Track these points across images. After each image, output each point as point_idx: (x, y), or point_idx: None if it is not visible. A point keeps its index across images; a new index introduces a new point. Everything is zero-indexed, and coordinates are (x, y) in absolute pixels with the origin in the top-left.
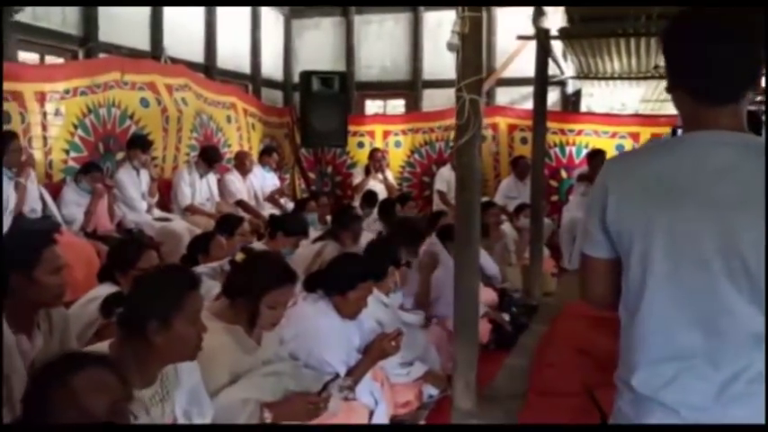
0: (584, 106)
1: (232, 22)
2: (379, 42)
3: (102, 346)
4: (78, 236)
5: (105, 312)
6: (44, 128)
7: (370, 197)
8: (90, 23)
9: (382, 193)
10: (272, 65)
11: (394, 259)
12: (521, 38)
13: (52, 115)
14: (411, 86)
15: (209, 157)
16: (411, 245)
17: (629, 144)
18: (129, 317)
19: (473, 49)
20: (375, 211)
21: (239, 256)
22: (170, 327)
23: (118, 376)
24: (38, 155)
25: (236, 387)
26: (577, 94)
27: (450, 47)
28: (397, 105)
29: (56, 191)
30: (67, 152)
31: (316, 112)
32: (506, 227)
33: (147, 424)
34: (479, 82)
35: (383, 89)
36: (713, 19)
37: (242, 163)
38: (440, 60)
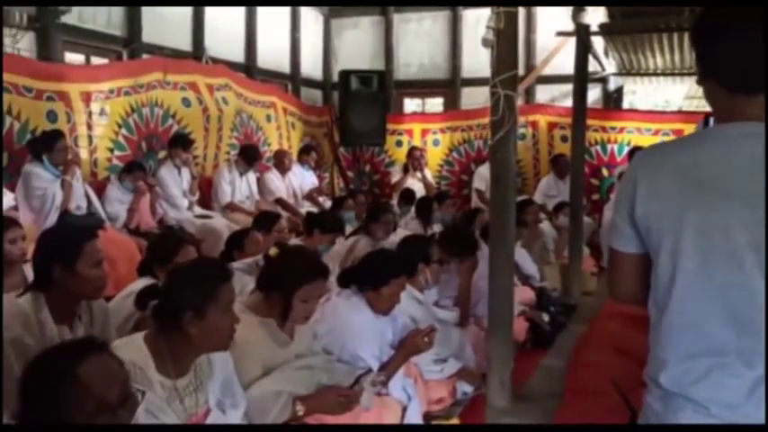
0: (626, 103)
1: (272, 22)
2: (418, 41)
3: (137, 337)
4: (121, 232)
5: (140, 305)
6: (89, 127)
7: (407, 195)
8: (134, 25)
9: (421, 192)
10: (311, 64)
11: (424, 256)
12: (560, 34)
13: (97, 115)
14: (450, 84)
15: (248, 156)
16: (459, 254)
17: None
18: (165, 308)
19: (508, 45)
20: (413, 209)
21: (272, 251)
22: (204, 317)
23: (115, 357)
24: (83, 153)
25: (269, 379)
26: (619, 90)
27: (485, 42)
28: (435, 104)
29: (100, 189)
30: (112, 151)
31: (354, 110)
32: (545, 225)
33: (151, 424)
34: (514, 77)
35: (422, 87)
36: (742, 9)
37: (281, 161)
38: (479, 58)
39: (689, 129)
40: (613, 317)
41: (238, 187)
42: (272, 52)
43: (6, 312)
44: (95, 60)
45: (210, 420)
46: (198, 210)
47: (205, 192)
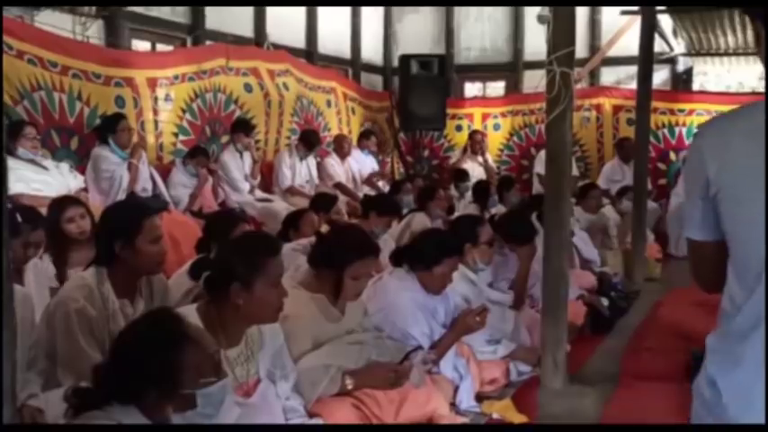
0: (696, 85)
1: (333, 7)
2: (479, 24)
3: (190, 308)
4: (185, 215)
5: (193, 275)
6: (155, 112)
7: (460, 174)
8: (197, 12)
9: (482, 176)
10: (371, 49)
11: (471, 237)
12: (624, 13)
13: (162, 100)
14: (511, 68)
15: (308, 141)
16: (513, 240)
17: None
18: (215, 279)
19: (565, 21)
20: (468, 192)
21: (324, 228)
22: (251, 289)
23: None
24: (150, 138)
25: (320, 353)
26: (689, 72)
27: (541, 19)
28: (496, 87)
29: (165, 172)
30: (176, 135)
31: (414, 95)
32: (608, 210)
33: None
34: (571, 54)
35: (483, 71)
36: None
37: (340, 146)
38: (541, 40)
39: None
40: (681, 304)
41: (298, 172)
42: (333, 38)
43: (72, 285)
44: (160, 47)
45: (260, 390)
46: (259, 193)
47: (266, 176)
